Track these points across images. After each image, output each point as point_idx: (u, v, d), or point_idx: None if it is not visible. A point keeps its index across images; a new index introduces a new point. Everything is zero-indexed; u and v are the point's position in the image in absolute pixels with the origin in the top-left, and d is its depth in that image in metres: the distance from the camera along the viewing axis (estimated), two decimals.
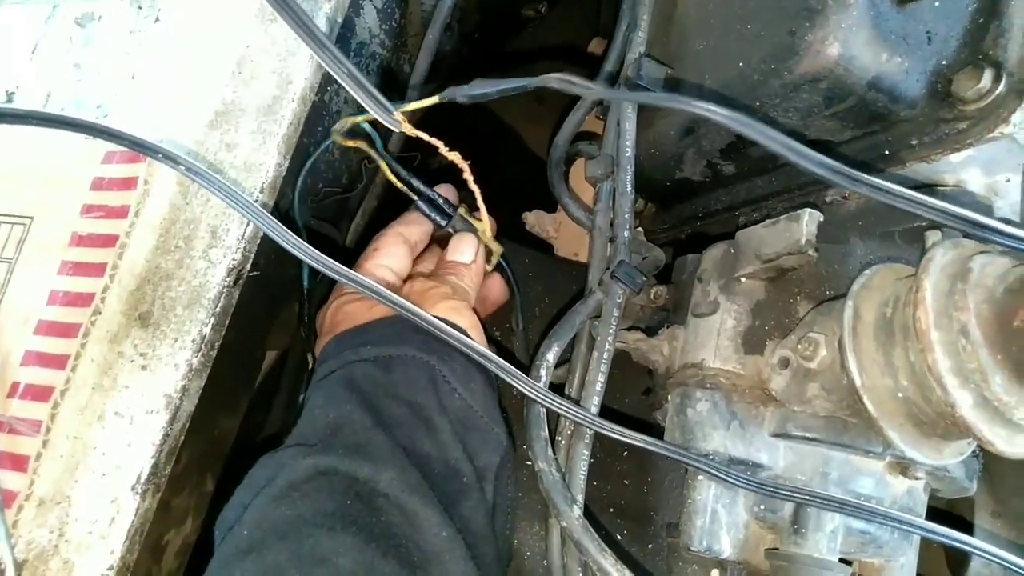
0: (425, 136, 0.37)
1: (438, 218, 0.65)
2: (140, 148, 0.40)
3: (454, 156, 0.36)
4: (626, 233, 0.57)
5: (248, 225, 0.55)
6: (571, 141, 0.70)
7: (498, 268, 0.69)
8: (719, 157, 0.59)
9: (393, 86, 0.88)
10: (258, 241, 0.57)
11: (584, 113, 0.66)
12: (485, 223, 0.56)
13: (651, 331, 0.58)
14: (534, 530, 0.75)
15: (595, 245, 0.61)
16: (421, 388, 0.52)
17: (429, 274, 0.64)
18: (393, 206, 0.92)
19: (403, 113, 0.45)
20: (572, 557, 0.50)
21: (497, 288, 0.69)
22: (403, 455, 0.48)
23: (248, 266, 0.57)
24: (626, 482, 0.68)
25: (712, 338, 0.51)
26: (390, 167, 0.64)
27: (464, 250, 0.63)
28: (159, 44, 0.61)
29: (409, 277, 0.63)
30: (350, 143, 0.63)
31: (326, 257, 0.46)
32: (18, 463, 0.47)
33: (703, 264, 0.55)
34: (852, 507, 0.44)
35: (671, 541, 0.55)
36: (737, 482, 0.45)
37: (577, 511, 0.46)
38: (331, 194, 0.88)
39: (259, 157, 0.57)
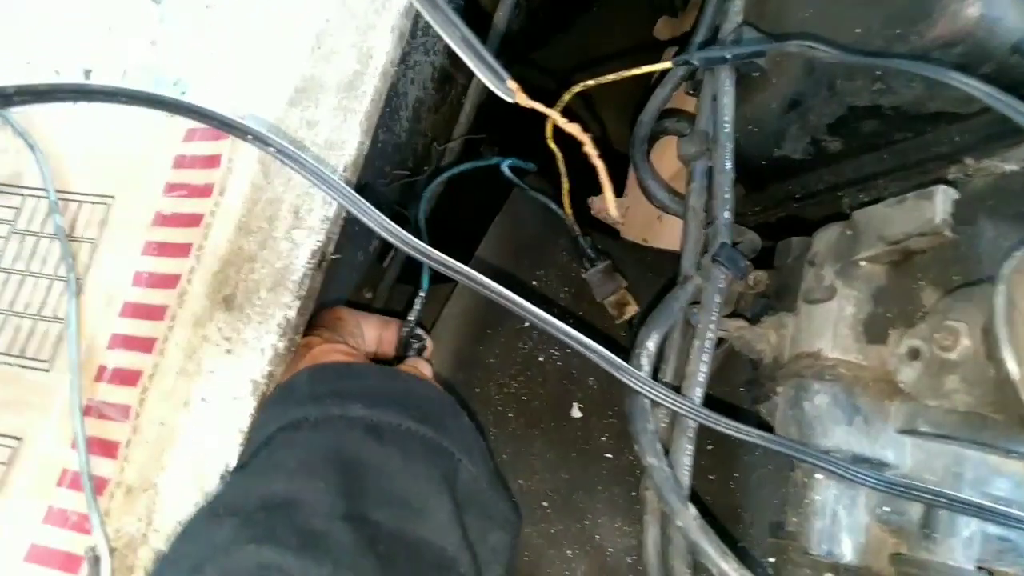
0: (541, 107, 0.34)
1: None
2: (229, 128, 0.38)
3: (573, 128, 0.33)
4: (727, 214, 0.54)
5: (332, 206, 0.53)
6: (657, 118, 0.66)
7: None
8: (826, 133, 0.55)
9: (458, 63, 0.86)
10: (340, 223, 0.54)
11: (672, 88, 0.63)
12: (608, 197, 0.50)
13: (752, 319, 0.55)
14: (616, 525, 0.72)
15: (689, 228, 0.58)
16: (418, 465, 0.44)
17: None
18: (459, 192, 0.90)
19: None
20: (679, 558, 0.47)
21: None
22: (372, 557, 0.39)
23: (331, 248, 0.55)
24: (711, 478, 0.65)
25: (829, 326, 0.47)
26: None
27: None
28: (236, 20, 0.59)
29: None
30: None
31: (448, 258, 0.43)
32: (108, 449, 0.45)
33: (815, 247, 0.51)
34: (994, 512, 0.40)
35: (777, 542, 0.52)
36: (866, 482, 0.42)
37: (693, 510, 0.43)
38: (399, 177, 0.86)
39: (341, 135, 0.55)
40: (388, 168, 0.84)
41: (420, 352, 0.66)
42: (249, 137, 0.37)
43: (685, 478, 0.48)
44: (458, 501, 0.44)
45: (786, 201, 0.63)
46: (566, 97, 0.58)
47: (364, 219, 0.41)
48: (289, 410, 0.46)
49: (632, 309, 0.72)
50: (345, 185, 0.40)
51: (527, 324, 0.81)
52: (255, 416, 0.48)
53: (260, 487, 0.41)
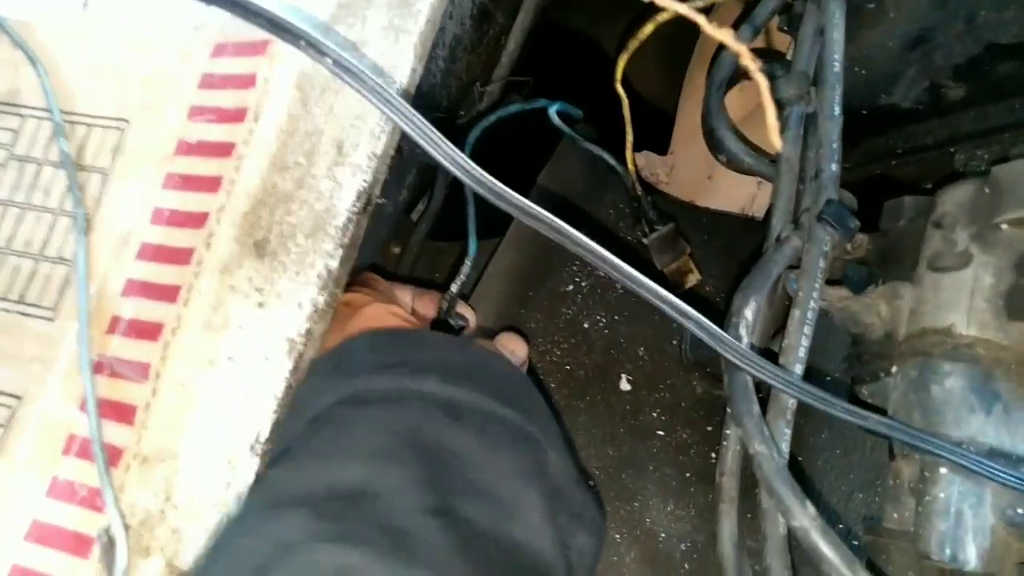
0: (681, 6, 0.27)
1: None
2: (280, 30, 0.31)
3: (724, 34, 0.27)
4: (834, 166, 0.47)
5: (381, 140, 0.46)
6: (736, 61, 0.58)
7: None
8: (950, 77, 0.48)
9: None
10: (388, 161, 0.47)
11: (766, 18, 0.55)
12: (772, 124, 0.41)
13: (854, 287, 0.48)
14: (668, 508, 0.66)
15: (782, 182, 0.51)
16: (504, 454, 0.38)
17: None
18: (500, 139, 0.82)
19: None
20: (776, 557, 0.41)
21: None
22: (467, 561, 0.33)
23: (378, 190, 0.48)
24: None
25: (963, 298, 0.41)
26: None
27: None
28: None
29: None
30: None
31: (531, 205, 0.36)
32: (124, 414, 0.39)
33: (941, 207, 0.44)
34: None
35: (875, 540, 0.46)
36: (1011, 482, 0.36)
37: (812, 508, 0.37)
38: (435, 120, 0.79)
39: (391, 59, 0.47)
40: (422, 111, 0.77)
41: (460, 333, 0.59)
42: (302, 43, 0.30)
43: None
44: (556, 498, 0.38)
45: (884, 157, 0.56)
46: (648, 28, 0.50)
47: (436, 154, 0.34)
48: (350, 380, 0.39)
49: (694, 278, 0.66)
50: (412, 109, 0.33)
51: (571, 287, 0.75)
52: (301, 383, 0.42)
53: (329, 472, 0.35)
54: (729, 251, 0.75)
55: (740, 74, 0.60)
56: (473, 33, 0.79)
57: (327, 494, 0.34)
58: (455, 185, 0.78)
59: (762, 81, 0.29)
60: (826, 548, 0.36)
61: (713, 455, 0.67)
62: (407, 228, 0.80)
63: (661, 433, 0.68)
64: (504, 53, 0.82)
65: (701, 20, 0.29)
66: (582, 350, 0.71)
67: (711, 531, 0.63)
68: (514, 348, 0.58)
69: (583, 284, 0.74)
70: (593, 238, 0.75)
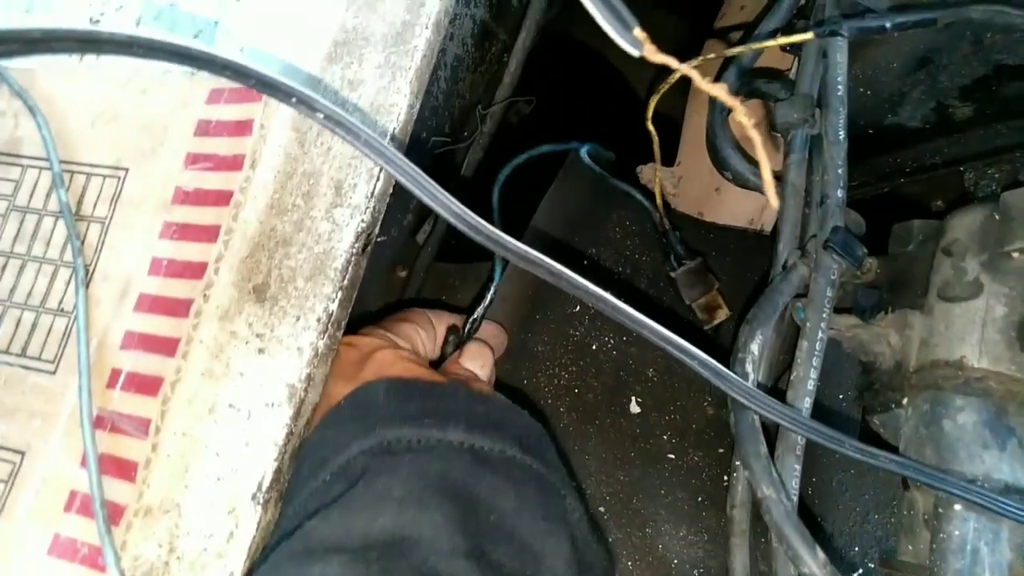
0: (673, 62, 0.27)
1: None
2: (270, 89, 0.31)
3: (718, 90, 0.26)
4: (839, 193, 0.46)
5: (379, 180, 0.45)
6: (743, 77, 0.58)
7: None
8: (957, 97, 0.47)
9: (499, 17, 0.78)
10: (387, 200, 0.47)
11: (770, 38, 0.54)
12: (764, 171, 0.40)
13: (863, 315, 0.47)
14: (680, 533, 0.65)
15: (787, 207, 0.50)
16: (531, 500, 0.38)
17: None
18: (499, 156, 0.82)
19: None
20: None
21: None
22: None
23: (377, 229, 0.47)
24: None
25: (975, 330, 0.40)
26: None
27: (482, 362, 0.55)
28: None
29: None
30: None
31: (535, 252, 0.35)
32: (125, 470, 0.38)
33: (951, 233, 0.43)
34: None
35: (890, 574, 0.45)
36: None
37: (822, 555, 0.36)
38: (439, 144, 0.78)
39: (388, 97, 0.47)
40: (425, 134, 0.77)
41: (455, 347, 0.58)
42: (293, 100, 0.30)
43: (792, 504, 0.41)
44: (576, 545, 0.38)
45: (891, 176, 0.55)
46: (695, 63, 0.49)
47: (436, 206, 0.34)
48: (374, 430, 0.39)
49: (723, 314, 0.65)
50: (407, 161, 0.33)
51: (578, 308, 0.74)
52: (315, 432, 0.42)
53: (364, 520, 0.35)
54: (739, 268, 0.73)
55: (747, 94, 0.59)
56: (475, 52, 0.79)
57: (363, 540, 0.34)
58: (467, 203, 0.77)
59: (756, 139, 0.28)
60: None
61: (725, 477, 0.66)
62: (413, 251, 0.80)
63: (672, 456, 0.67)
64: (506, 72, 0.82)
65: (695, 75, 0.28)
66: (591, 373, 0.71)
67: (724, 556, 0.62)
68: (483, 362, 0.57)
69: (590, 305, 0.74)
70: (600, 252, 0.74)
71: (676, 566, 0.64)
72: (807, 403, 0.43)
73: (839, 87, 0.47)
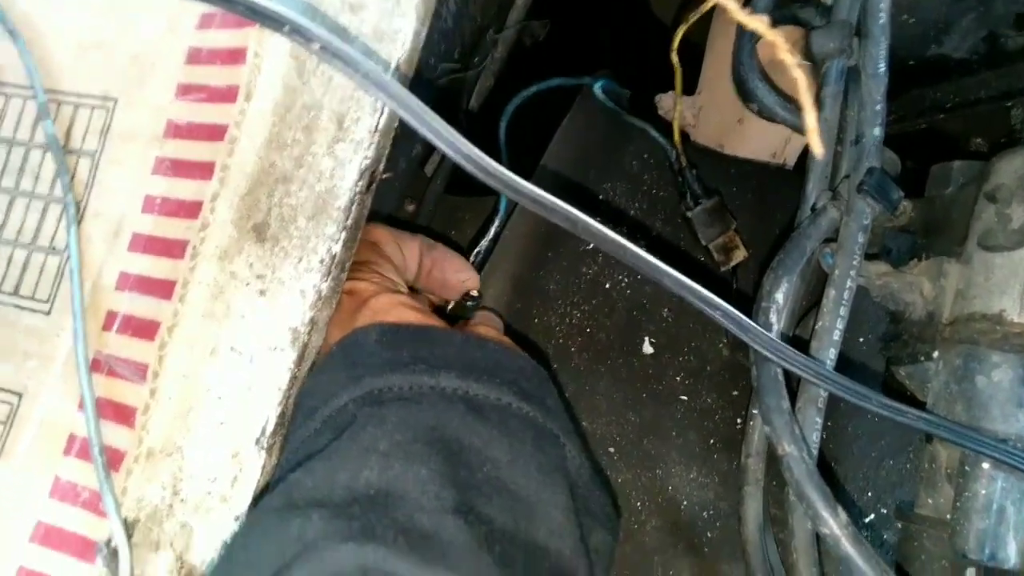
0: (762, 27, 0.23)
1: None
2: (259, 16, 0.28)
3: (759, 24, 0.22)
4: (877, 131, 0.43)
5: (384, 113, 0.42)
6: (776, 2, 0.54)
7: None
8: (1011, 26, 0.43)
9: None
10: (392, 135, 0.44)
11: None
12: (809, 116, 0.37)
13: (894, 261, 0.45)
14: (691, 476, 0.65)
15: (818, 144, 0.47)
16: (526, 450, 0.37)
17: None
18: (510, 84, 0.78)
19: None
20: (803, 557, 0.39)
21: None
22: (489, 560, 0.32)
23: (382, 166, 0.45)
24: None
25: (1017, 282, 0.37)
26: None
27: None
28: None
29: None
30: None
31: (549, 196, 0.33)
32: (124, 415, 0.37)
33: (996, 177, 0.40)
34: None
35: (907, 526, 0.44)
36: None
37: (844, 516, 0.35)
38: (448, 71, 0.75)
39: (392, 22, 0.44)
40: (433, 60, 0.73)
41: (473, 307, 0.57)
42: (286, 29, 0.27)
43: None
44: (574, 495, 0.37)
45: (930, 110, 0.51)
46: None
47: (443, 145, 0.31)
48: (362, 378, 0.38)
49: (741, 254, 0.62)
50: (411, 96, 0.30)
51: (591, 245, 0.72)
52: (307, 380, 0.40)
53: (348, 473, 0.34)
54: (759, 205, 0.71)
55: (779, 21, 0.55)
56: None
57: (346, 495, 0.33)
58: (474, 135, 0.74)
59: (802, 79, 0.25)
60: (859, 559, 0.34)
61: (738, 420, 0.65)
62: (421, 183, 0.77)
63: (684, 398, 0.66)
64: None
65: (731, 5, 0.25)
66: (603, 312, 0.69)
67: (734, 499, 0.62)
68: (494, 317, 0.56)
69: (607, 252, 0.71)
70: (615, 187, 0.71)
71: (686, 507, 0.63)
72: (832, 354, 0.41)
73: (881, 14, 0.43)
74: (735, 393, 0.66)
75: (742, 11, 0.26)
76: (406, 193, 0.78)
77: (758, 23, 0.24)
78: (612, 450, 0.65)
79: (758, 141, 0.80)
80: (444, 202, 0.76)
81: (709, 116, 0.85)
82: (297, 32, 0.28)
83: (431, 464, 0.33)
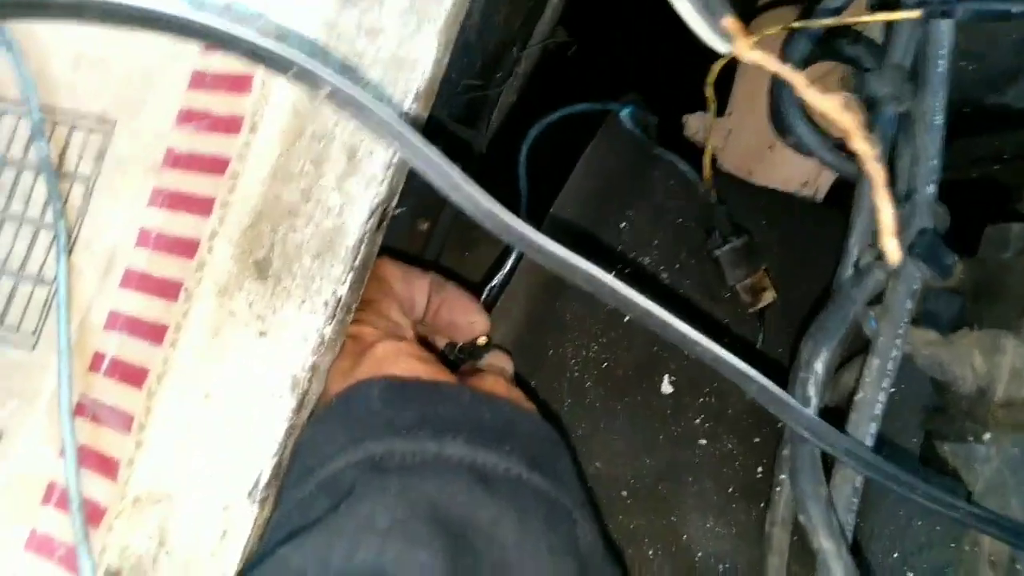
0: (774, 64, 0.21)
1: None
2: (264, 60, 0.25)
3: (832, 104, 0.20)
4: (931, 188, 0.40)
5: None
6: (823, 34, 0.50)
7: None
8: None
9: None
10: (407, 170, 0.41)
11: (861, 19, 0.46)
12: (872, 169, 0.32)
13: (941, 327, 0.41)
14: (707, 525, 0.62)
15: (863, 197, 0.43)
16: (536, 529, 0.34)
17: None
18: (534, 103, 0.75)
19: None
20: None
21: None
22: None
23: (395, 203, 0.42)
24: None
25: None
26: None
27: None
28: None
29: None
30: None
31: (568, 252, 0.30)
32: (107, 467, 0.35)
33: None
34: None
35: None
36: None
37: None
38: (470, 87, 0.72)
39: (411, 50, 0.41)
40: (454, 75, 0.70)
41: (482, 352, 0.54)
42: (292, 73, 0.25)
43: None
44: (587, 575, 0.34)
45: (984, 161, 0.48)
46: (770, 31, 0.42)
47: (463, 202, 0.29)
48: (364, 440, 0.35)
49: (769, 296, 0.59)
50: (428, 146, 0.27)
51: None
52: (303, 433, 0.38)
53: (342, 553, 0.31)
54: (790, 241, 0.67)
55: (823, 56, 0.52)
56: None
57: (345, 563, 0.31)
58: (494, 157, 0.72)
59: (866, 151, 0.22)
60: None
61: (759, 469, 0.62)
62: (436, 201, 0.74)
63: (703, 442, 0.63)
64: (548, 5, 0.74)
65: (798, 81, 0.22)
66: (622, 346, 0.66)
67: (753, 554, 0.58)
68: (504, 365, 0.54)
69: (626, 271, 0.68)
70: (638, 217, 0.68)
71: (700, 559, 0.60)
72: (872, 430, 0.38)
73: (941, 61, 0.40)
74: (757, 440, 0.63)
75: (809, 88, 0.22)
76: (419, 211, 0.75)
77: (838, 112, 0.21)
78: (625, 494, 0.62)
79: (789, 169, 0.76)
80: (459, 222, 0.73)
81: (738, 140, 0.82)
82: (304, 76, 0.26)
83: (433, 546, 0.31)
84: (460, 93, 0.70)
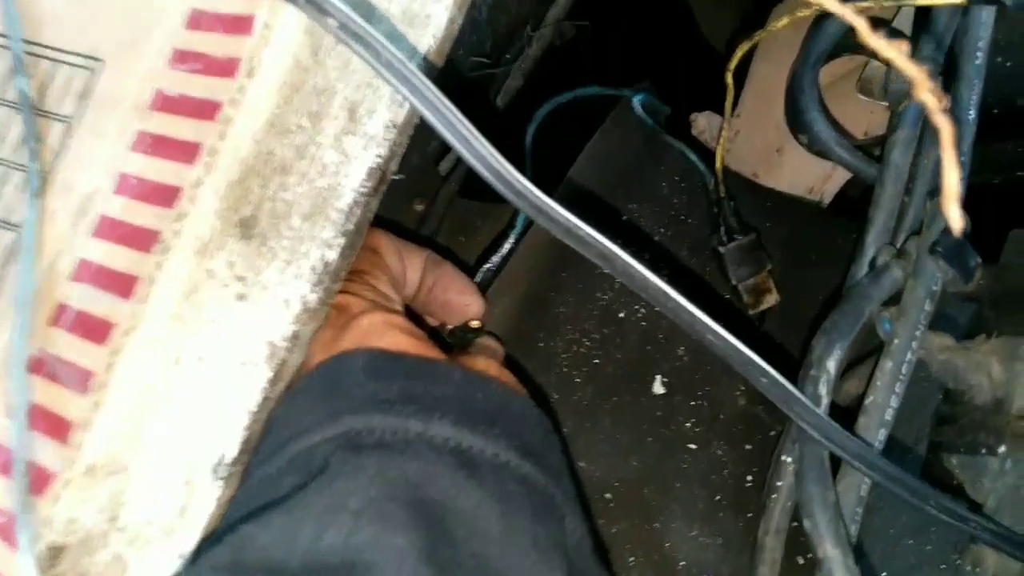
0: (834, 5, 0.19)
1: None
2: None
3: (898, 54, 0.18)
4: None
5: (404, 108, 0.37)
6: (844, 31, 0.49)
7: None
8: None
9: None
10: (410, 132, 0.39)
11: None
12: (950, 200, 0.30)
13: (957, 333, 0.40)
14: (691, 533, 0.60)
15: (884, 192, 0.42)
16: (522, 521, 0.32)
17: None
18: (541, 87, 0.73)
19: None
20: None
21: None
22: None
23: (395, 165, 0.39)
24: None
25: None
26: None
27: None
28: None
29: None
30: None
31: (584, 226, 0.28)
32: (58, 429, 0.32)
33: None
34: None
35: None
36: None
37: None
38: (476, 66, 0.69)
39: (426, 5, 0.38)
40: (462, 51, 0.68)
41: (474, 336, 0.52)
42: (301, 1, 0.22)
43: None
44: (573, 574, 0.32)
45: (1011, 166, 0.46)
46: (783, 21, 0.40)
47: (473, 160, 0.26)
48: (343, 415, 0.32)
49: (772, 299, 0.57)
50: (438, 94, 0.25)
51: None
52: (278, 405, 0.35)
53: (310, 535, 0.28)
54: (793, 244, 0.66)
55: (845, 50, 0.50)
56: None
57: (304, 561, 0.28)
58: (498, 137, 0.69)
59: (947, 130, 0.20)
60: None
61: (749, 478, 0.60)
62: (434, 181, 0.72)
63: (693, 447, 0.61)
64: None
65: (861, 25, 0.20)
66: (615, 343, 0.64)
67: (737, 564, 0.56)
68: (496, 348, 0.51)
69: (643, 297, 0.66)
70: (642, 209, 0.66)
71: (683, 568, 0.58)
72: (881, 435, 0.36)
73: (979, 54, 0.38)
74: (748, 447, 0.61)
75: (873, 34, 0.20)
76: (416, 191, 0.72)
77: (890, 46, 0.19)
78: (609, 496, 0.60)
79: (796, 174, 0.75)
80: (457, 205, 0.71)
81: (747, 142, 0.81)
82: (312, 5, 0.23)
83: (409, 532, 0.28)
84: (467, 70, 0.68)
